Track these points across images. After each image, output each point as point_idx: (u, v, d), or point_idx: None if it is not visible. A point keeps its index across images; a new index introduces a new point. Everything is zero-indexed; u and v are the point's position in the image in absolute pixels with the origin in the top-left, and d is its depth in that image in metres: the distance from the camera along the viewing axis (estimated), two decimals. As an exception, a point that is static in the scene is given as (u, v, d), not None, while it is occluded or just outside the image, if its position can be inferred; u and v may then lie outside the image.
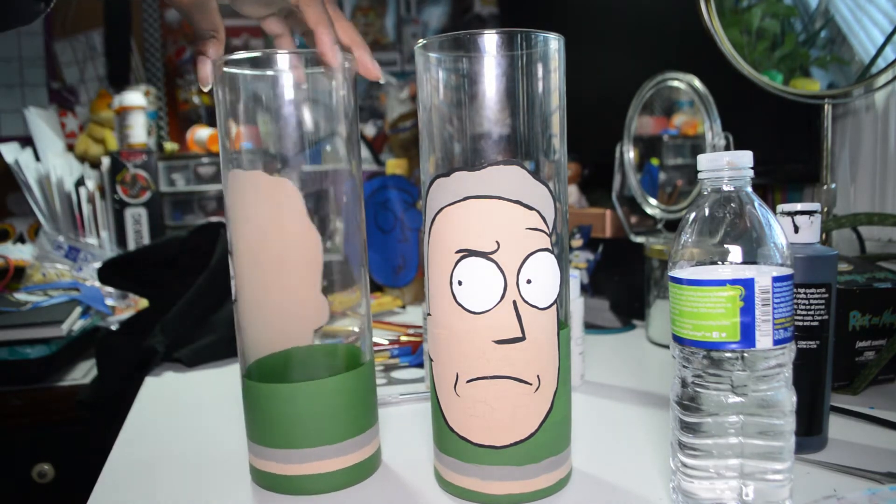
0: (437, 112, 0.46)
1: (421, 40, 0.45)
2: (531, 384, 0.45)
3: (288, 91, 0.48)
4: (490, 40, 0.43)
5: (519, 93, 0.44)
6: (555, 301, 0.44)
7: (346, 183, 0.51)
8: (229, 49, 0.50)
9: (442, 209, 0.45)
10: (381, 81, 0.53)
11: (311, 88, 0.49)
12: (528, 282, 0.44)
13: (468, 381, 0.45)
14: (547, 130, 0.45)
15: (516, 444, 0.45)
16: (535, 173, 0.43)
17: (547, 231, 0.44)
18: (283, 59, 0.48)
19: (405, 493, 0.48)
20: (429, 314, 0.48)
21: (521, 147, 0.44)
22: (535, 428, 0.45)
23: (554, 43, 0.45)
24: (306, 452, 0.48)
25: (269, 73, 0.48)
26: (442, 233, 0.45)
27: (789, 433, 0.39)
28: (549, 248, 0.44)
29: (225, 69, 0.48)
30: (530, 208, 0.43)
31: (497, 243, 0.44)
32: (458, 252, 0.44)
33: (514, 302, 0.44)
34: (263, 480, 0.50)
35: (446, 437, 0.47)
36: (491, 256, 0.44)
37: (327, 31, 0.48)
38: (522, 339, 0.44)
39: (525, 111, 0.44)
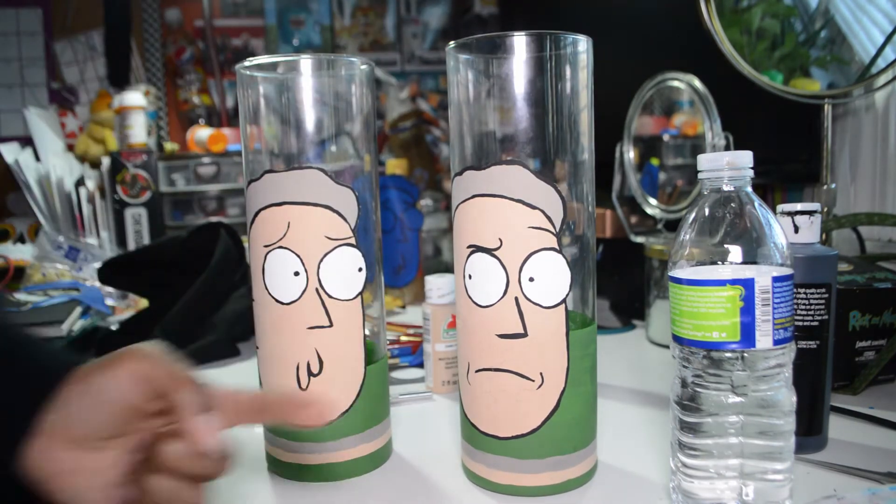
0: (457, 111, 0.47)
1: (452, 42, 0.46)
2: (533, 381, 0.45)
3: (307, 91, 0.49)
4: (519, 42, 0.44)
5: (547, 92, 0.44)
6: (562, 301, 0.44)
7: (359, 180, 0.51)
8: (231, 49, 0.50)
9: (458, 205, 0.47)
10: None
11: (329, 89, 0.49)
12: (531, 280, 0.44)
13: (476, 371, 0.47)
14: (570, 131, 0.45)
15: (518, 437, 0.45)
16: (542, 173, 0.44)
17: (553, 231, 0.44)
18: (304, 64, 0.49)
19: (418, 477, 0.50)
20: None
21: (529, 147, 0.44)
22: (537, 424, 0.45)
23: (582, 44, 0.45)
24: (333, 442, 0.50)
25: (285, 75, 0.49)
26: (458, 228, 0.47)
27: (789, 433, 0.40)
28: (556, 247, 0.44)
29: (243, 71, 0.49)
30: (533, 207, 0.43)
31: (500, 240, 0.44)
32: (468, 247, 0.46)
33: (516, 298, 0.44)
34: (288, 471, 0.51)
35: (463, 422, 0.49)
36: (494, 253, 0.44)
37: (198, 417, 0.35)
38: (524, 335, 0.44)
39: (553, 111, 0.44)
